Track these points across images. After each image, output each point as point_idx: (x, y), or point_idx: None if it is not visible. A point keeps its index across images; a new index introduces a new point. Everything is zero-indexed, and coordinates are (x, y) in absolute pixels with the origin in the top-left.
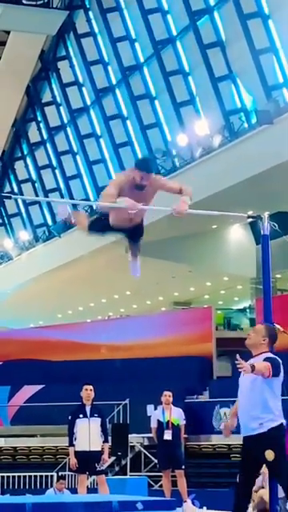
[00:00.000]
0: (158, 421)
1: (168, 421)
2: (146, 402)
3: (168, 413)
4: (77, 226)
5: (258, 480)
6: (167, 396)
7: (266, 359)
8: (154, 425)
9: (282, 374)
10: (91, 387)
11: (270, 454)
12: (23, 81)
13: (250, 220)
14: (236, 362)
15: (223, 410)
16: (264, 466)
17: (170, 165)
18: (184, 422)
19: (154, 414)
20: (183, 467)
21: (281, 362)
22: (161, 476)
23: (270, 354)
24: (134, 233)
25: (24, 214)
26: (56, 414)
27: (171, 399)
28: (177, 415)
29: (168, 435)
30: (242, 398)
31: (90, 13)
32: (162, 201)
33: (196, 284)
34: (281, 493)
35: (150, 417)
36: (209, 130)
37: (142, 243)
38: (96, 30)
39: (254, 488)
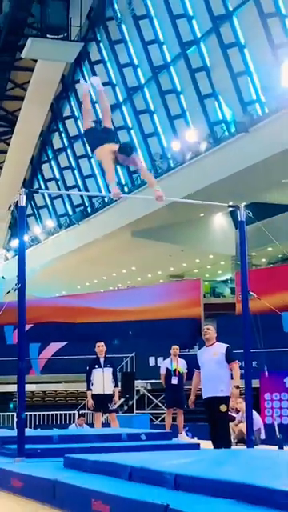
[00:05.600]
0: (167, 368)
1: (175, 369)
2: (148, 354)
3: (175, 363)
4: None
5: (238, 415)
6: (175, 349)
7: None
8: (163, 371)
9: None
10: (102, 343)
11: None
12: (48, 99)
13: (230, 209)
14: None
15: None
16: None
17: (166, 165)
18: (186, 370)
19: (164, 363)
20: (185, 407)
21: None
22: (160, 413)
23: (221, 344)
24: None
25: (50, 206)
26: (77, 365)
27: (178, 351)
28: (181, 365)
29: (175, 380)
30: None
31: (101, 44)
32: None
33: (187, 261)
34: (256, 425)
35: (152, 366)
36: (197, 137)
37: (145, 227)
38: (106, 58)
39: (235, 422)
